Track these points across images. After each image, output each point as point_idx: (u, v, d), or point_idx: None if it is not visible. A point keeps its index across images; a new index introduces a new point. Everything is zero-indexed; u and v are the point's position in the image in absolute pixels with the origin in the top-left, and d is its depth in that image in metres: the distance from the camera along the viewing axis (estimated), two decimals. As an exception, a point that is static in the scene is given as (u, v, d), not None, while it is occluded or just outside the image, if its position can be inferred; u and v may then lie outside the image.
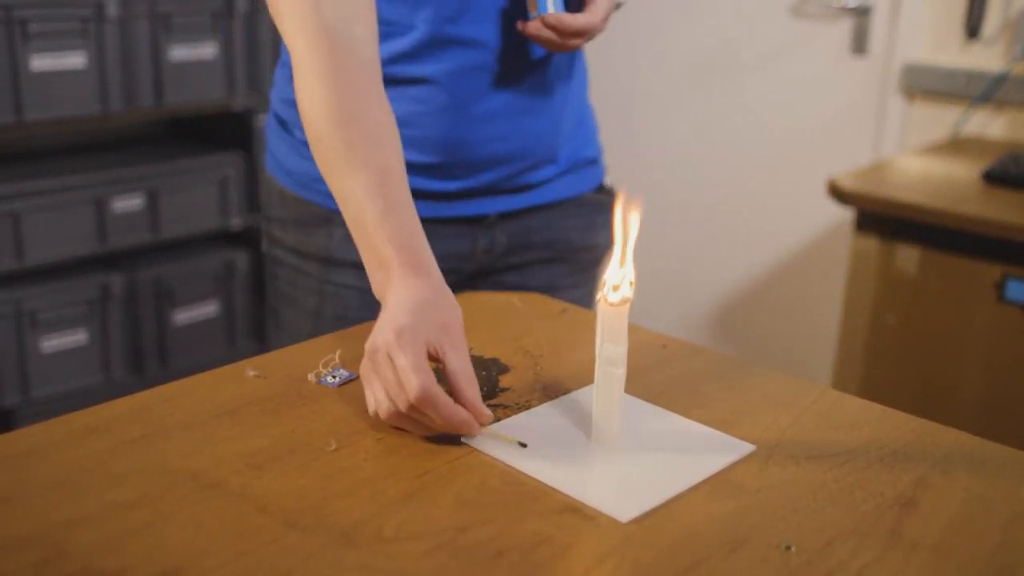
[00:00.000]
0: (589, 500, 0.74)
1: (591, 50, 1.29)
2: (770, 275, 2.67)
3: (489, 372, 0.95)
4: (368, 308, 0.93)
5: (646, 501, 0.74)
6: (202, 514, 0.71)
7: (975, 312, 1.77)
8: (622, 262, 0.79)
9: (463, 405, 0.81)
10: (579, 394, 0.91)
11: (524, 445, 0.81)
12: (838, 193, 1.84)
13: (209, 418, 0.84)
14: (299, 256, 1.24)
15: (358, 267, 0.92)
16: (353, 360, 0.93)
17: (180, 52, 2.19)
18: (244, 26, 2.27)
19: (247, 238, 2.44)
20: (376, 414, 0.82)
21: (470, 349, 0.87)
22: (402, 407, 0.79)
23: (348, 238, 0.93)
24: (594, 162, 1.31)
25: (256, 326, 2.47)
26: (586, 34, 1.10)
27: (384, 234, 0.88)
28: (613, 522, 0.72)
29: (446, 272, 0.91)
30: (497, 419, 0.86)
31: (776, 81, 2.55)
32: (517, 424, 0.85)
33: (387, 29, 1.11)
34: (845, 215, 2.34)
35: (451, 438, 0.82)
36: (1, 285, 2.06)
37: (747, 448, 0.83)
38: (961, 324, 1.80)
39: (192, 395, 0.89)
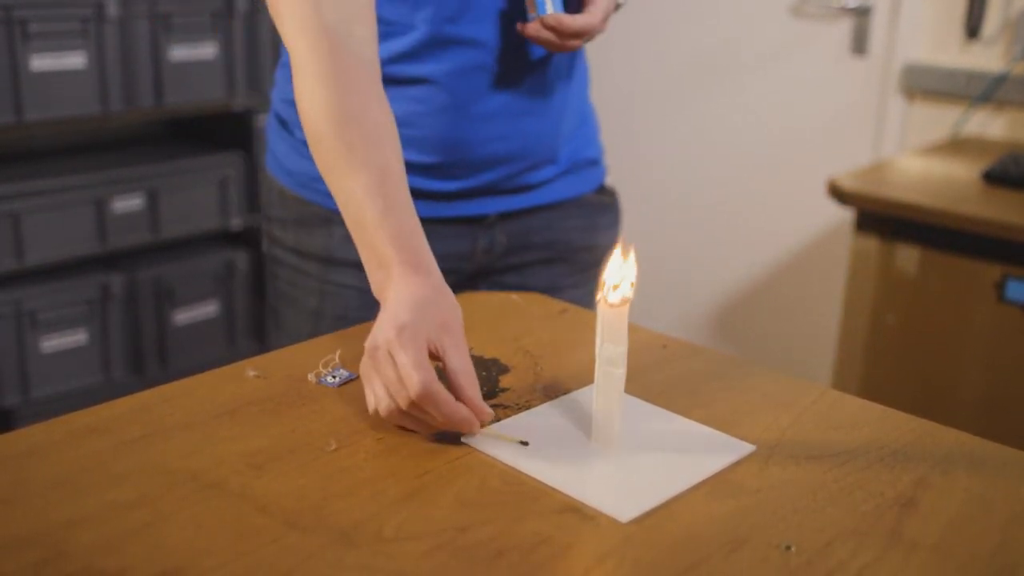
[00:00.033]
0: (589, 500, 0.74)
1: (591, 50, 1.29)
2: (770, 275, 2.67)
3: (489, 372, 0.95)
4: (368, 308, 0.93)
5: (646, 501, 0.74)
6: (202, 514, 0.71)
7: (975, 312, 1.77)
8: (622, 264, 0.79)
9: (464, 403, 0.81)
10: (579, 394, 0.91)
11: (526, 443, 0.81)
12: (838, 193, 1.84)
13: (209, 418, 0.84)
14: (299, 256, 1.24)
15: (358, 267, 0.92)
16: (353, 360, 0.93)
17: (180, 52, 2.19)
18: (244, 26, 2.27)
19: (247, 238, 2.44)
20: (376, 412, 0.82)
21: (470, 349, 0.87)
22: (403, 404, 0.79)
23: (348, 238, 0.93)
24: (595, 162, 1.31)
25: (256, 326, 2.47)
26: (585, 35, 1.10)
27: (384, 233, 0.88)
28: (613, 522, 0.72)
29: (446, 272, 0.91)
30: (497, 419, 0.86)
31: (776, 81, 2.55)
32: (517, 424, 0.85)
33: (387, 29, 1.11)
34: (845, 215, 2.34)
35: (451, 437, 0.82)
36: (1, 285, 2.06)
37: (747, 448, 0.83)
38: (961, 324, 1.80)
39: (192, 395, 0.89)
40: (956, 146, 2.15)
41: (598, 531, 0.71)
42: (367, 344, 0.83)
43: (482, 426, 0.83)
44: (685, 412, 0.89)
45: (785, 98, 2.54)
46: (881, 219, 1.84)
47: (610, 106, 2.18)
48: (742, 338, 2.77)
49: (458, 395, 0.81)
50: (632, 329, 0.81)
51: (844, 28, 2.43)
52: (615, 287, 0.78)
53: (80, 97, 2.07)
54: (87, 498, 0.72)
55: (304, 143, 1.15)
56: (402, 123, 1.13)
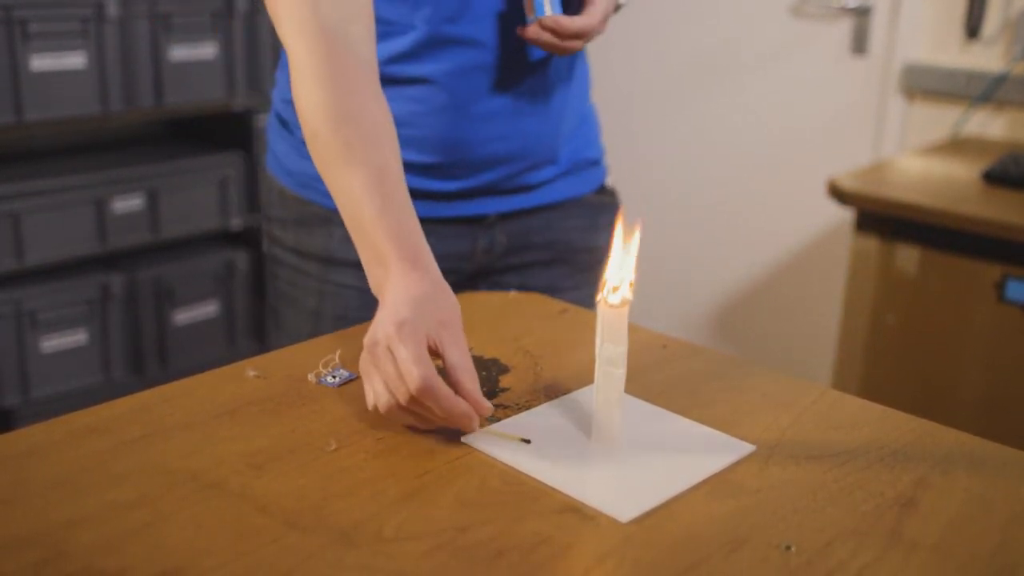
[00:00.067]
0: (589, 500, 0.74)
1: (591, 50, 1.29)
2: (770, 275, 2.67)
3: (489, 372, 0.95)
4: (368, 308, 0.93)
5: (646, 501, 0.74)
6: (202, 514, 0.71)
7: (975, 312, 1.77)
8: (622, 263, 0.79)
9: (463, 398, 0.80)
10: (579, 394, 0.91)
11: (528, 441, 0.81)
12: (838, 193, 1.84)
13: (209, 418, 0.84)
14: (299, 256, 1.24)
15: (358, 267, 0.92)
16: (353, 360, 0.93)
17: (180, 52, 2.19)
18: (244, 26, 2.27)
19: (247, 238, 2.44)
20: (375, 408, 0.81)
21: (470, 349, 0.87)
22: (402, 400, 0.79)
23: (348, 238, 0.93)
24: (596, 163, 1.31)
25: (256, 326, 2.47)
26: (584, 36, 1.09)
27: (382, 230, 0.88)
28: (613, 522, 0.72)
29: (446, 272, 0.91)
30: (497, 419, 0.86)
31: (776, 81, 2.55)
32: (517, 424, 0.85)
33: (386, 29, 1.11)
34: (845, 215, 2.34)
35: (452, 435, 0.82)
36: (1, 285, 2.06)
37: (747, 448, 0.83)
38: (961, 324, 1.80)
39: (192, 395, 0.89)
40: (956, 146, 2.15)
41: (598, 531, 0.71)
42: (366, 340, 0.82)
43: (482, 422, 0.83)
44: (685, 412, 0.89)
45: (785, 98, 2.54)
46: (881, 219, 1.84)
47: (610, 106, 2.17)
48: (742, 338, 2.77)
49: (457, 391, 0.81)
50: (632, 329, 0.81)
51: (844, 28, 2.43)
52: (615, 288, 0.78)
53: (80, 97, 2.07)
54: (87, 498, 0.72)
55: (304, 143, 1.15)
56: (402, 123, 1.13)
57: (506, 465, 0.79)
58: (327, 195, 0.97)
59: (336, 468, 0.78)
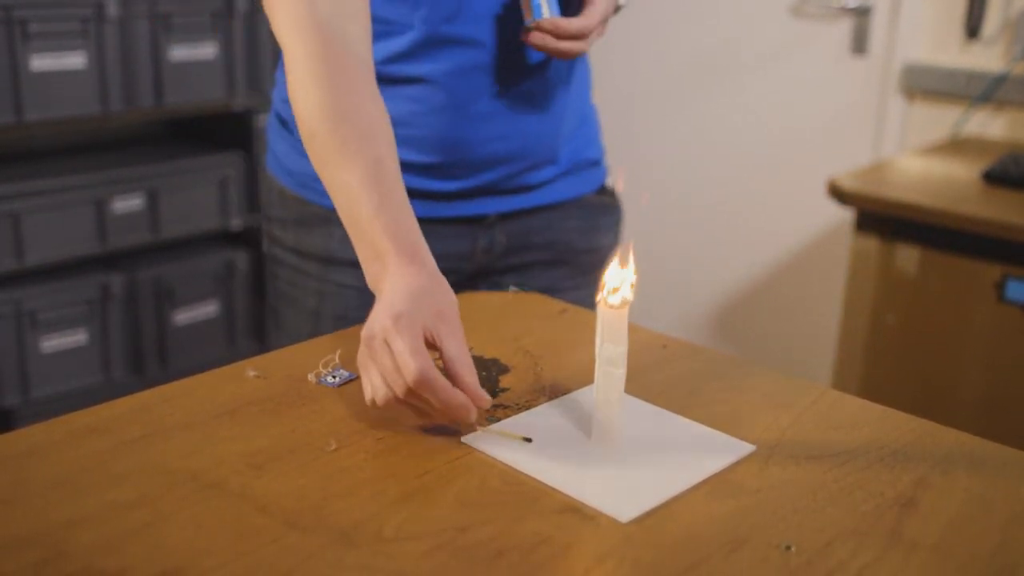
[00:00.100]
0: (589, 500, 0.74)
1: (592, 50, 1.29)
2: (770, 275, 2.67)
3: (489, 372, 0.95)
4: (367, 308, 0.93)
5: (646, 501, 0.74)
6: (202, 514, 0.71)
7: (975, 312, 1.77)
8: (623, 264, 0.79)
9: (462, 390, 0.80)
10: (579, 394, 0.91)
11: (529, 440, 0.81)
12: (838, 193, 1.84)
13: (209, 418, 0.84)
14: (299, 256, 1.24)
15: (357, 266, 0.92)
16: (353, 360, 0.93)
17: (180, 52, 2.19)
18: (244, 26, 2.27)
19: (247, 238, 2.44)
20: (373, 402, 0.81)
21: (470, 349, 0.87)
22: (399, 392, 0.79)
23: (348, 238, 0.93)
24: (596, 163, 1.31)
25: (256, 326, 2.47)
26: (583, 37, 1.09)
27: (379, 225, 0.87)
28: (613, 522, 0.72)
29: (445, 272, 0.90)
30: (497, 419, 0.86)
31: (776, 81, 2.55)
32: (517, 424, 0.85)
33: (384, 28, 1.11)
34: (845, 215, 2.34)
35: (452, 435, 0.82)
36: (1, 285, 2.06)
37: (747, 448, 0.83)
38: (961, 324, 1.80)
39: (192, 395, 0.88)
40: (956, 146, 2.15)
41: (598, 531, 0.71)
42: (363, 334, 0.82)
43: (481, 420, 0.83)
44: (685, 412, 0.89)
45: (785, 98, 2.54)
46: (881, 219, 1.84)
47: (610, 106, 2.17)
48: (742, 338, 2.77)
49: (456, 383, 0.80)
50: (632, 329, 0.81)
51: (844, 28, 2.43)
52: (615, 290, 0.78)
53: (80, 97, 2.07)
54: (87, 498, 0.72)
55: (304, 142, 1.15)
56: (401, 123, 1.13)
57: (506, 465, 0.79)
58: (327, 195, 0.97)
59: (336, 468, 0.78)
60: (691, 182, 2.75)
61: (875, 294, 1.88)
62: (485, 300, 1.14)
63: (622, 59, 2.78)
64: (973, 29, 2.19)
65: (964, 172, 1.93)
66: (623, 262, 0.79)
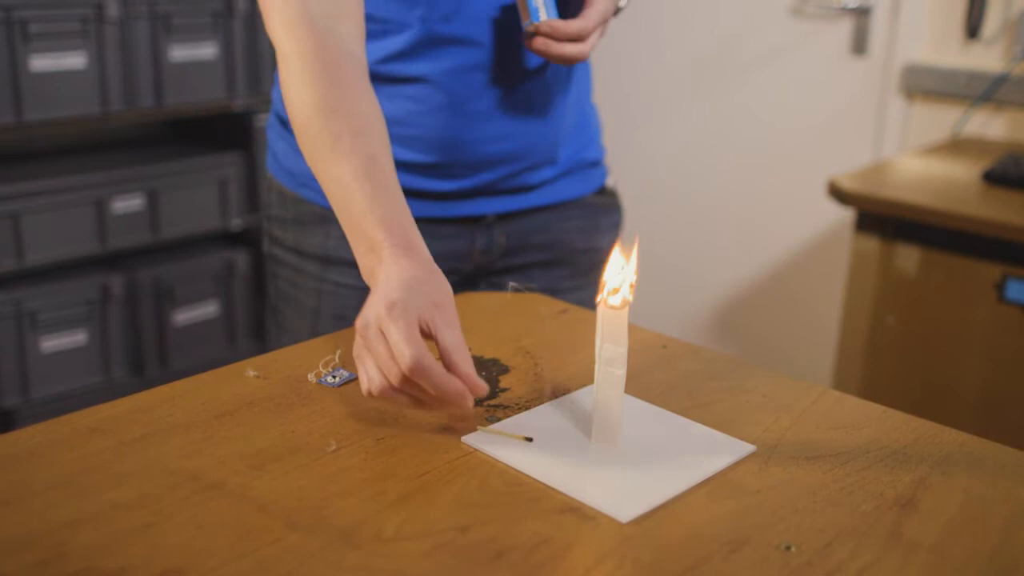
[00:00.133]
0: (589, 500, 0.74)
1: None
2: (770, 275, 2.67)
3: (489, 372, 0.95)
4: (367, 307, 0.93)
5: (646, 501, 0.74)
6: (202, 514, 0.71)
7: (975, 312, 1.77)
8: (623, 265, 0.79)
9: (459, 378, 0.79)
10: (579, 394, 0.91)
11: (530, 439, 0.81)
12: (838, 193, 1.84)
13: (209, 418, 0.85)
14: (298, 255, 1.24)
15: (356, 266, 0.91)
16: (353, 360, 0.93)
17: (180, 52, 2.19)
18: (244, 26, 2.27)
19: (247, 238, 2.44)
20: (370, 393, 0.80)
21: (470, 349, 0.87)
22: (394, 381, 0.78)
23: (346, 237, 0.93)
24: (596, 164, 1.31)
25: (256, 326, 2.47)
26: (582, 39, 1.08)
27: (373, 217, 0.87)
28: (613, 522, 0.72)
29: (444, 272, 0.90)
30: (497, 419, 0.86)
31: (776, 81, 2.55)
32: (517, 424, 0.85)
33: (382, 27, 1.11)
34: (845, 215, 2.34)
35: (452, 434, 0.82)
36: (1, 285, 2.06)
37: (747, 448, 0.83)
38: (961, 324, 1.80)
39: (192, 395, 0.89)
40: (956, 146, 2.15)
41: (598, 531, 0.71)
42: (358, 324, 0.81)
43: (482, 422, 0.83)
44: (685, 412, 0.89)
45: (785, 98, 2.54)
46: (881, 219, 1.84)
47: (610, 106, 2.18)
48: (742, 338, 2.77)
49: (452, 371, 0.79)
50: (632, 329, 0.81)
51: (844, 28, 2.43)
52: (615, 290, 0.78)
53: (80, 97, 2.07)
54: (87, 498, 0.72)
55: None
56: (399, 122, 1.13)
57: (506, 465, 0.79)
58: (325, 194, 0.97)
59: (336, 468, 0.78)
60: (691, 182, 2.75)
61: (875, 294, 1.88)
62: (485, 300, 1.14)
63: (622, 59, 2.78)
64: (973, 29, 2.19)
65: (964, 172, 1.93)
66: (625, 257, 0.79)
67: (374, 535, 0.69)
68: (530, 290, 1.18)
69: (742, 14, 2.58)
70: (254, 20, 2.27)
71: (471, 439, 0.82)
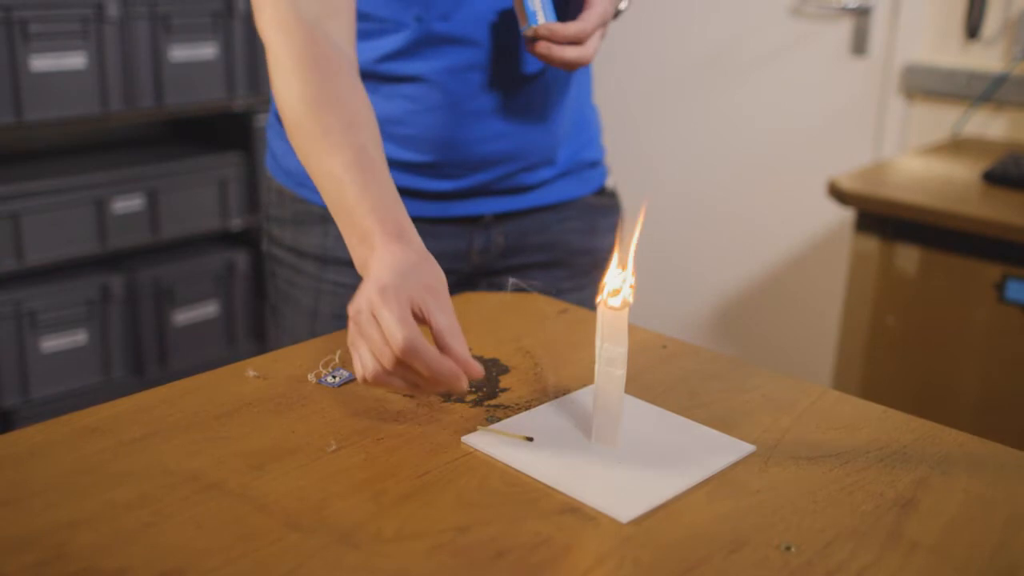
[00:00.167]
0: (589, 500, 0.74)
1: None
2: (770, 275, 2.67)
3: (489, 372, 0.95)
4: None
5: (646, 501, 0.74)
6: (202, 515, 0.71)
7: (975, 312, 1.77)
8: (623, 266, 0.79)
9: (453, 360, 0.78)
10: (579, 394, 0.91)
11: (531, 439, 0.81)
12: (838, 193, 1.84)
13: (209, 418, 0.84)
14: (297, 255, 1.24)
15: (353, 265, 0.91)
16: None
17: (180, 52, 2.19)
18: (244, 26, 2.27)
19: (247, 238, 2.44)
20: (364, 379, 0.80)
21: (470, 349, 0.87)
22: (387, 364, 0.77)
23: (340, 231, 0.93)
24: (595, 164, 1.31)
25: (256, 326, 2.47)
26: (581, 41, 1.08)
27: (365, 207, 0.87)
28: (613, 522, 0.72)
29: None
30: (497, 419, 0.86)
31: (776, 81, 2.55)
32: (517, 424, 0.85)
33: (379, 27, 1.11)
34: (845, 215, 2.34)
35: (452, 434, 0.82)
36: (1, 285, 2.06)
37: (747, 448, 0.83)
38: (961, 324, 1.80)
39: (192, 395, 0.89)
40: (956, 146, 2.15)
41: (598, 531, 0.71)
42: (350, 310, 0.81)
43: (482, 422, 0.83)
44: (685, 412, 0.89)
45: (785, 98, 2.54)
46: (881, 219, 1.83)
47: (610, 106, 2.18)
48: (742, 338, 2.77)
49: (445, 353, 0.79)
50: (632, 329, 0.81)
51: (844, 28, 2.43)
52: (615, 291, 0.78)
53: (80, 97, 2.07)
54: (87, 498, 0.72)
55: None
56: (396, 122, 1.13)
57: (506, 465, 0.79)
58: (324, 193, 0.97)
59: (336, 468, 0.78)
60: (691, 182, 2.75)
61: (875, 294, 1.88)
62: (485, 300, 1.14)
63: (622, 59, 2.78)
64: (973, 29, 2.19)
65: (964, 172, 1.93)
66: (622, 263, 0.79)
67: (374, 535, 0.69)
68: (530, 288, 1.18)
69: (742, 14, 2.58)
70: (254, 20, 2.27)
71: (471, 439, 0.82)
